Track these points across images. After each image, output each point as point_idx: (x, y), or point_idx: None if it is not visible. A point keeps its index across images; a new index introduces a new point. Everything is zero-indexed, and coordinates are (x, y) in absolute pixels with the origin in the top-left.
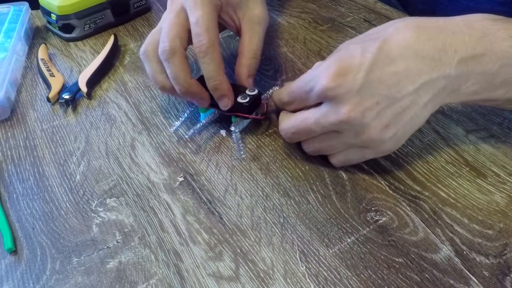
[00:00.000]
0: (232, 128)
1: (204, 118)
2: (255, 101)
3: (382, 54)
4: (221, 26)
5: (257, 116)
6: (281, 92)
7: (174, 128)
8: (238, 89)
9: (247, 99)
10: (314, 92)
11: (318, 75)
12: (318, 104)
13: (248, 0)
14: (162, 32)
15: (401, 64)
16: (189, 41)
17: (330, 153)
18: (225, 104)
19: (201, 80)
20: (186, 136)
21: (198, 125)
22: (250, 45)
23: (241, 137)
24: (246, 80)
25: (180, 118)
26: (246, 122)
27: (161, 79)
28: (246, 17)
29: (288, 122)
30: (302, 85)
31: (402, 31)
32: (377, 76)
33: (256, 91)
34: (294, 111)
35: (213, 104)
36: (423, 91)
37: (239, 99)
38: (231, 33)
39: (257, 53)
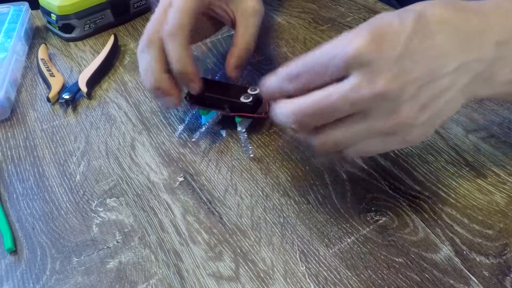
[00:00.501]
0: (239, 129)
1: (206, 121)
2: (258, 100)
3: (421, 25)
4: (219, 22)
5: (260, 114)
6: (279, 71)
7: (178, 132)
8: (240, 89)
9: (250, 99)
10: (339, 59)
11: (346, 41)
12: (339, 80)
13: None
14: (146, 25)
15: (442, 39)
16: (194, 27)
17: (348, 146)
18: (191, 88)
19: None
20: (193, 140)
21: (204, 128)
22: (244, 36)
23: (247, 137)
24: (232, 70)
25: (183, 123)
26: (249, 121)
27: (157, 67)
28: (239, 9)
29: (298, 104)
30: (319, 55)
31: (435, 7)
32: (418, 47)
33: (257, 90)
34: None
35: (214, 105)
36: (462, 72)
37: (242, 99)
38: (232, 32)
39: (250, 45)
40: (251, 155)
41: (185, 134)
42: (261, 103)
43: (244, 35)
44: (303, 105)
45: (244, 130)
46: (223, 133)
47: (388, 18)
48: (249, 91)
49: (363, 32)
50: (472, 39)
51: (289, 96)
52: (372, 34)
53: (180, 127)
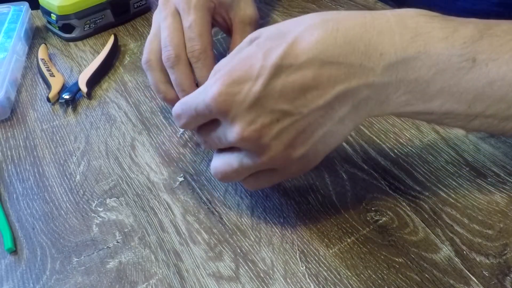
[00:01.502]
0: None
1: None
2: None
3: (287, 61)
4: (212, 25)
5: None
6: (177, 104)
7: (180, 133)
8: None
9: None
10: (202, 108)
11: (209, 85)
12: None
13: (239, 1)
14: (163, 38)
15: (309, 73)
16: None
17: (238, 179)
18: None
19: None
20: (179, 135)
21: None
22: None
23: None
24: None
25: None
26: None
27: (164, 89)
28: (237, 17)
29: (197, 137)
30: (194, 96)
31: (315, 31)
32: (278, 87)
33: None
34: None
35: None
36: (339, 103)
37: None
38: None
39: None
40: None
41: (186, 134)
42: None
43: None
44: (199, 138)
45: None
46: None
47: (253, 53)
48: None
49: (222, 77)
50: (354, 65)
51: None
52: (230, 78)
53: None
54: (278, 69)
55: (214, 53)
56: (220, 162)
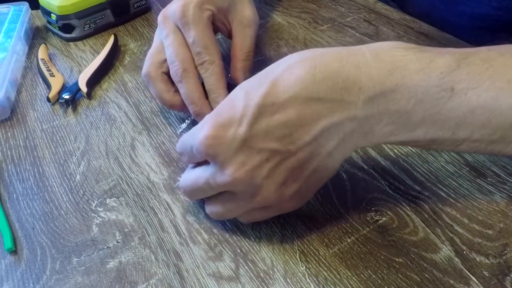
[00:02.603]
0: None
1: None
2: None
3: (269, 100)
4: (214, 31)
5: None
6: (179, 142)
7: (180, 130)
8: None
9: None
10: (194, 150)
11: (198, 129)
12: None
13: (236, 4)
14: (169, 55)
15: (292, 111)
16: None
17: (233, 216)
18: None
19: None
20: (179, 132)
21: (189, 120)
22: (243, 48)
23: None
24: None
25: (187, 121)
26: None
27: (169, 97)
28: (235, 20)
29: (185, 179)
30: (184, 141)
31: (294, 69)
32: (263, 128)
33: None
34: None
35: None
36: (325, 138)
37: None
38: None
39: (250, 55)
40: None
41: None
42: None
43: (243, 46)
44: (185, 182)
45: None
46: None
47: (235, 98)
48: None
49: (207, 123)
50: (335, 100)
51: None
52: (215, 124)
53: (183, 125)
54: (261, 109)
55: (221, 62)
56: (214, 205)
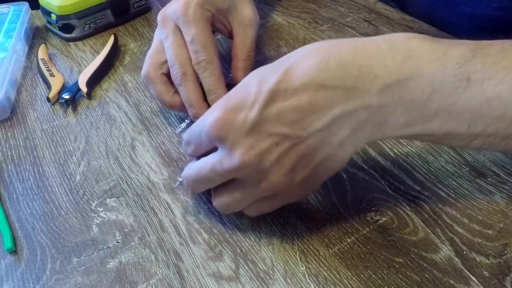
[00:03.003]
0: None
1: None
2: None
3: (282, 86)
4: (213, 32)
5: None
6: (187, 131)
7: (179, 130)
8: None
9: None
10: (203, 135)
11: (209, 113)
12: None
13: (236, 4)
14: (169, 57)
15: (305, 97)
16: None
17: (240, 208)
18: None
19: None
20: (178, 131)
21: (189, 120)
22: (244, 48)
23: None
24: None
25: (186, 120)
26: None
27: (169, 99)
28: (236, 20)
29: (188, 169)
30: (194, 127)
31: (309, 58)
32: (274, 112)
33: None
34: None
35: None
36: (337, 126)
37: None
38: None
39: (251, 55)
40: None
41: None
42: None
43: (244, 47)
44: (189, 172)
45: None
46: None
47: (248, 83)
48: None
49: (219, 106)
50: (349, 88)
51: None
52: (226, 107)
53: (183, 125)
54: (274, 94)
55: (219, 62)
56: (222, 196)
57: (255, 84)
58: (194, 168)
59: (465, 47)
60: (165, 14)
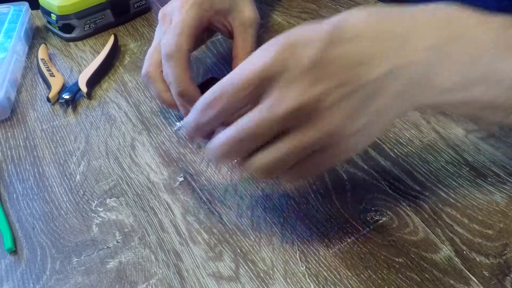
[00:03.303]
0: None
1: None
2: None
3: (337, 34)
4: (213, 30)
5: None
6: (195, 104)
7: (176, 128)
8: None
9: None
10: (248, 78)
11: (261, 50)
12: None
13: (237, 4)
14: (162, 49)
15: (363, 44)
16: (193, 46)
17: (283, 169)
18: (186, 112)
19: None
20: (175, 129)
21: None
22: (244, 48)
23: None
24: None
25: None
26: None
27: (167, 97)
28: (237, 20)
29: (222, 134)
30: (229, 77)
31: (360, 14)
32: (336, 53)
33: None
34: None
35: None
36: (391, 78)
37: None
38: None
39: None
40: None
41: (183, 131)
42: None
43: (244, 47)
44: (223, 136)
45: None
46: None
47: (303, 28)
48: None
49: (273, 44)
50: (398, 45)
51: (209, 133)
52: (282, 45)
53: (180, 123)
54: (334, 37)
55: (190, 57)
56: (264, 154)
57: (310, 30)
58: (232, 129)
59: (502, 17)
60: (165, 12)
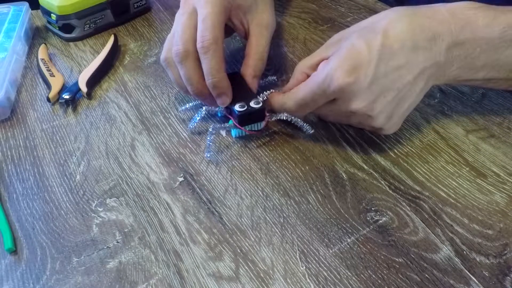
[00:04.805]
0: (210, 129)
1: (221, 114)
2: (252, 115)
3: (386, 50)
4: (230, 29)
5: (252, 130)
6: (287, 99)
7: (184, 108)
8: (246, 95)
9: (244, 109)
10: (330, 90)
11: (332, 74)
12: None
13: (258, 5)
14: (175, 35)
15: (402, 59)
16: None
17: (328, 115)
18: (223, 101)
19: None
20: (190, 127)
21: (199, 115)
22: (257, 47)
23: (213, 140)
24: (251, 80)
25: (189, 104)
26: (241, 131)
27: (181, 83)
28: (254, 21)
29: (302, 91)
30: (315, 87)
31: (398, 24)
32: (383, 71)
33: (260, 105)
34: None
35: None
36: (419, 79)
37: (237, 107)
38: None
39: (263, 55)
40: (208, 157)
41: (185, 133)
42: (260, 119)
43: (258, 46)
44: (300, 92)
45: (214, 132)
46: (223, 133)
47: (358, 45)
48: (252, 102)
49: (343, 66)
50: (427, 48)
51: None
52: (350, 67)
53: (187, 105)
54: (382, 55)
55: (224, 48)
56: (326, 113)
57: (364, 47)
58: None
59: (511, 14)
60: None
